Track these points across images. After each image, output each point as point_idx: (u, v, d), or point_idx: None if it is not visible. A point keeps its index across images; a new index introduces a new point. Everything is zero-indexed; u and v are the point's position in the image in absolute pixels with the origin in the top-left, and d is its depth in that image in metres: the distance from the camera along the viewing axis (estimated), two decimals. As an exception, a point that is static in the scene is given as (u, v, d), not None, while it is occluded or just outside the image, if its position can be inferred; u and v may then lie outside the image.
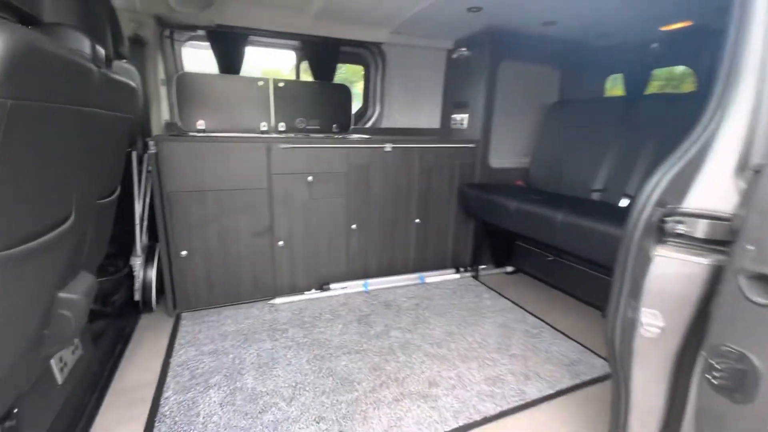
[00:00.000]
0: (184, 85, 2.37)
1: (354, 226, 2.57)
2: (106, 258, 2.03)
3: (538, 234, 2.24)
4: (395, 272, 2.80)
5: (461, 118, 3.05)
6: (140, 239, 2.13)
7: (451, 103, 3.19)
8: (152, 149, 1.96)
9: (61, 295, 1.05)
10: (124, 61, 2.08)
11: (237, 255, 2.29)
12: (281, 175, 2.29)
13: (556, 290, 2.73)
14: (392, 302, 2.46)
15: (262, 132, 2.62)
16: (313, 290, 2.54)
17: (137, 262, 2.12)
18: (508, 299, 2.55)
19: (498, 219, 2.52)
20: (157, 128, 2.45)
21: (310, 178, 2.36)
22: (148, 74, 2.36)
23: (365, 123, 3.20)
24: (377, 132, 3.12)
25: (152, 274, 2.14)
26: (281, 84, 2.63)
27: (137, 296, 2.13)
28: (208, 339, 1.98)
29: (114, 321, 1.91)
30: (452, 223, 2.91)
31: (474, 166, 2.88)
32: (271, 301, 2.41)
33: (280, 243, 2.39)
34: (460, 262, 3.02)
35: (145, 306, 2.17)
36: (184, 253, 2.17)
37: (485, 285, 2.79)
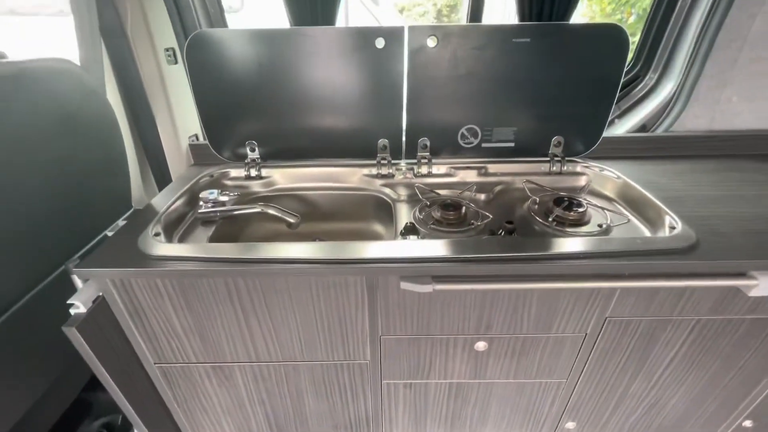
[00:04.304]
0: (203, 61, 0.98)
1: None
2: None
3: None
4: None
5: None
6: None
7: None
8: (78, 307, 0.74)
9: None
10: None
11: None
12: (402, 339, 0.84)
13: None
14: None
15: (380, 162, 1.10)
16: None
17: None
18: None
19: None
20: (176, 162, 1.21)
21: (481, 345, 0.84)
22: (136, 45, 1.05)
23: (630, 117, 1.27)
24: (679, 145, 1.17)
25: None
26: (431, 39, 0.96)
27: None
28: None
29: None
30: None
31: None
32: None
33: (396, 448, 1.07)
34: None
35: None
36: (211, 444, 1.09)
37: None
